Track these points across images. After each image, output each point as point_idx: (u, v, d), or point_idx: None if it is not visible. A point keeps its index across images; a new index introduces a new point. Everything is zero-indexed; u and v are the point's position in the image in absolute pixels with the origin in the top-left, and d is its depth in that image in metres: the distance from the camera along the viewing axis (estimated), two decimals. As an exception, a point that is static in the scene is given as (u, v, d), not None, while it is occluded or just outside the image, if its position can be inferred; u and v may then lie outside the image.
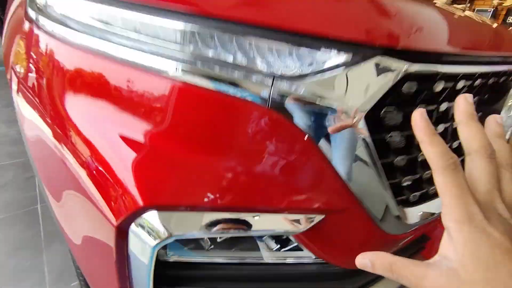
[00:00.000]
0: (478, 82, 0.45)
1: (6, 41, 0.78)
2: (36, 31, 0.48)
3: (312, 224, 0.37)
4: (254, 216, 0.35)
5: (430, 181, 0.45)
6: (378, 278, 0.54)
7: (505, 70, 0.51)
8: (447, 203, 0.20)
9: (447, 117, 0.44)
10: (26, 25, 0.54)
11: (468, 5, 5.37)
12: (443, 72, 0.37)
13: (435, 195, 0.45)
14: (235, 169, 0.35)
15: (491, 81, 0.49)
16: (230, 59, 0.32)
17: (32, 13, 0.49)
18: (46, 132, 0.45)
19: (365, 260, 0.24)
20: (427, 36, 0.35)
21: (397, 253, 0.48)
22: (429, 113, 0.37)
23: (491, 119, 0.24)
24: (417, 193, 0.43)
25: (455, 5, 1.06)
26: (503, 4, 5.04)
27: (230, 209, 0.35)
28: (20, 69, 0.56)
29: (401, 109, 0.36)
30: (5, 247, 1.13)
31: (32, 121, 0.50)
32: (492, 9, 4.77)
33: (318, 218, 0.37)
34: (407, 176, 0.41)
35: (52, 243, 1.17)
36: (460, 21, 0.46)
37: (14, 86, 0.59)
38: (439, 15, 0.40)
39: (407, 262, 0.22)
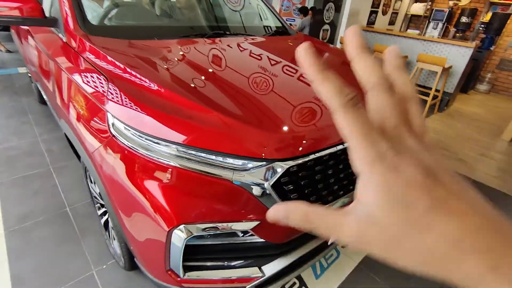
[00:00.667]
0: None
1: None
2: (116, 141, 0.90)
3: (254, 225, 0.84)
4: (228, 225, 0.82)
5: (313, 202, 0.92)
6: (295, 247, 1.03)
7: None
8: (354, 146, 0.18)
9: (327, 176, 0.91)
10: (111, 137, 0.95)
11: (429, 4, 5.88)
12: (311, 158, 0.84)
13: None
14: (217, 207, 0.81)
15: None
16: (213, 162, 0.77)
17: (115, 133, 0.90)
18: (129, 197, 0.87)
19: (279, 213, 0.21)
20: (298, 147, 0.81)
21: (306, 235, 0.97)
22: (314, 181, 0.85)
23: (391, 51, 0.23)
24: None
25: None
26: (459, 4, 5.58)
27: (215, 223, 0.81)
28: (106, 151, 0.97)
29: (291, 178, 0.83)
30: (52, 241, 1.55)
31: (120, 188, 0.92)
32: (448, 9, 5.28)
33: (256, 223, 0.84)
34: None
35: (86, 236, 1.59)
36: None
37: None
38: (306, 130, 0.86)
39: (323, 210, 0.20)
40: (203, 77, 1.04)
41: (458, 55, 3.91)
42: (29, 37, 1.93)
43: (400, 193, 0.17)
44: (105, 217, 1.45)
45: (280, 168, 0.79)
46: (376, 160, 0.18)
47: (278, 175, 0.79)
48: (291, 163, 0.80)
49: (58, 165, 2.15)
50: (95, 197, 1.47)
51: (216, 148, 0.78)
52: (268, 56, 1.35)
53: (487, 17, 5.16)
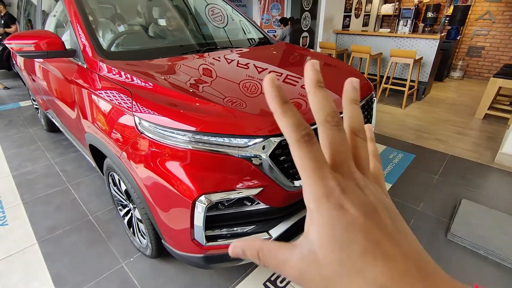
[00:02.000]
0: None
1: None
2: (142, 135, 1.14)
3: (259, 191, 1.07)
4: (238, 192, 1.05)
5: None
6: (294, 211, 1.26)
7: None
8: (304, 181, 0.19)
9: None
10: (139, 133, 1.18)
11: (397, 4, 6.34)
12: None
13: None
14: (229, 178, 1.04)
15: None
16: (222, 143, 1.01)
17: (141, 128, 1.13)
18: (157, 178, 1.10)
19: (236, 250, 0.22)
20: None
21: (302, 200, 1.20)
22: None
23: (348, 83, 0.24)
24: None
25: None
26: (423, 1, 6.04)
27: (228, 191, 1.04)
28: (136, 152, 1.20)
29: (283, 150, 1.07)
30: (82, 245, 1.74)
31: (149, 175, 1.14)
32: (414, 6, 5.73)
33: (259, 189, 1.07)
34: (293, 169, 1.12)
35: (111, 237, 1.79)
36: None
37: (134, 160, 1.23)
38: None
39: (273, 246, 0.21)
40: (206, 81, 1.29)
41: (427, 47, 4.27)
42: (41, 71, 2.17)
43: (340, 233, 0.17)
44: (127, 217, 1.65)
45: (273, 142, 1.03)
46: (323, 197, 0.18)
47: (272, 147, 1.03)
48: (281, 138, 1.04)
49: (75, 182, 2.35)
50: (118, 200, 1.67)
51: (223, 132, 1.01)
52: (254, 63, 1.61)
53: (450, 10, 5.61)
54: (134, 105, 1.15)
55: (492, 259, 1.62)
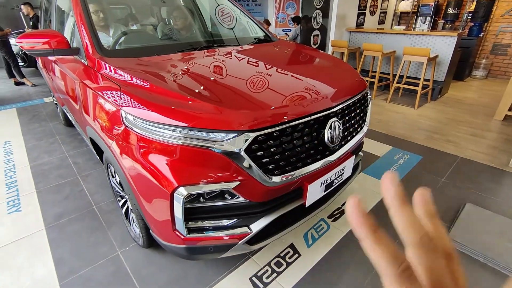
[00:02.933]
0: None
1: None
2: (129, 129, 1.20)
3: (235, 185, 1.10)
4: (215, 185, 1.08)
5: (283, 167, 1.17)
6: (275, 207, 1.27)
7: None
8: None
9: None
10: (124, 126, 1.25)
11: (416, 0, 6.10)
12: (276, 130, 1.10)
13: (288, 171, 1.18)
14: (207, 171, 1.07)
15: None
16: (199, 137, 1.05)
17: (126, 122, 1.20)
18: (140, 170, 1.15)
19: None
20: (263, 122, 1.08)
21: (286, 195, 1.22)
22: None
23: (419, 196, 0.23)
24: (279, 171, 1.16)
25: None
26: (444, -3, 5.78)
27: (206, 184, 1.08)
28: (123, 144, 1.27)
29: (260, 145, 1.09)
30: (84, 232, 1.84)
31: (133, 166, 1.21)
32: (434, 3, 5.48)
33: (237, 183, 1.10)
34: (272, 165, 1.14)
35: (111, 227, 1.89)
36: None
37: (118, 150, 1.30)
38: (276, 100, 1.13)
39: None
40: (190, 76, 1.33)
41: (444, 45, 4.09)
42: (56, 68, 2.32)
43: None
44: (125, 207, 1.74)
45: (249, 136, 1.05)
46: None
47: (248, 142, 1.05)
48: (258, 133, 1.06)
49: (84, 174, 2.49)
50: (117, 191, 1.76)
51: (200, 126, 1.05)
52: (246, 59, 1.64)
53: (472, 6, 5.32)
54: (123, 99, 1.22)
55: (491, 267, 1.55)
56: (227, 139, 1.05)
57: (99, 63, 1.48)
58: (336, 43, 4.73)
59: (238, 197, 1.18)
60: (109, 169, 1.68)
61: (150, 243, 1.59)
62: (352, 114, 1.51)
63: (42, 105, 4.38)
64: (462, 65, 5.02)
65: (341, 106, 1.37)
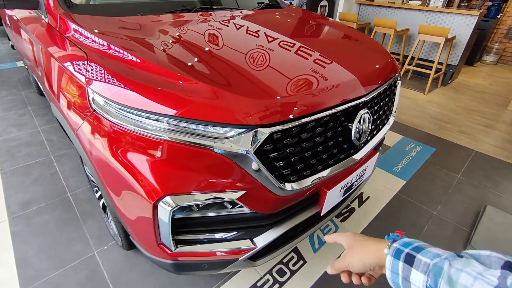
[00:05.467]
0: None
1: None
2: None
3: (240, 194, 0.83)
4: (213, 194, 0.82)
5: (300, 171, 0.91)
6: (286, 218, 1.03)
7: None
8: None
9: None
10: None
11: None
12: (296, 124, 0.82)
13: (304, 177, 0.92)
14: (201, 177, 0.80)
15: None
16: (193, 131, 0.76)
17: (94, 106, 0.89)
18: (116, 173, 0.87)
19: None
20: (282, 113, 0.79)
21: (299, 204, 0.97)
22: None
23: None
24: (295, 176, 0.90)
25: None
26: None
27: (201, 193, 0.81)
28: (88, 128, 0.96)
29: (275, 145, 0.81)
30: (55, 226, 1.58)
31: (106, 165, 0.92)
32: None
33: (242, 192, 0.83)
34: (287, 169, 0.87)
35: (87, 220, 1.62)
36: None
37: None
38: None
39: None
40: (185, 46, 1.01)
41: (462, 25, 3.75)
42: (21, 29, 1.91)
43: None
44: (102, 200, 1.47)
45: (262, 134, 0.77)
46: None
47: (260, 141, 0.77)
48: (273, 129, 0.78)
49: (58, 154, 2.18)
50: (92, 180, 1.48)
51: (196, 117, 0.76)
52: (253, 29, 1.31)
53: (493, -17, 4.91)
54: (90, 73, 0.90)
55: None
56: (232, 136, 0.77)
57: (63, 20, 1.13)
58: (344, 17, 4.31)
59: (241, 206, 0.92)
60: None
61: (130, 246, 1.35)
62: (381, 104, 1.24)
63: (14, 69, 3.89)
64: (474, 49, 4.71)
65: (373, 94, 1.09)
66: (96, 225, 1.59)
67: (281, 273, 1.38)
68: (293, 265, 1.42)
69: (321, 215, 1.14)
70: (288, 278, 1.36)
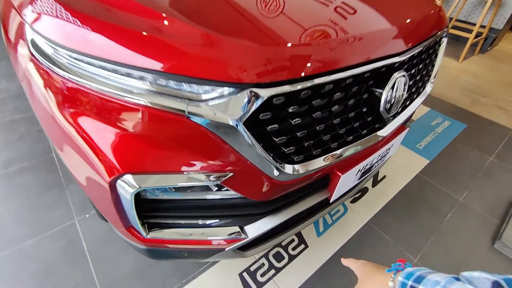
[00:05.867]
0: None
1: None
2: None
3: (224, 179, 0.63)
4: (188, 178, 0.61)
5: (308, 149, 0.68)
6: (286, 205, 0.83)
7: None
8: None
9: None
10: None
11: None
12: (307, 86, 0.57)
13: (312, 157, 0.70)
14: (177, 153, 0.59)
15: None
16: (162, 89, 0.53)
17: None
18: (65, 138, 0.67)
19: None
20: (287, 70, 0.54)
21: (303, 189, 0.75)
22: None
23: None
24: (300, 156, 0.68)
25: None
26: None
27: (171, 173, 0.60)
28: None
29: (274, 113, 0.58)
30: (36, 188, 1.45)
31: (53, 127, 0.71)
32: None
33: (227, 175, 0.62)
34: (289, 147, 0.65)
35: (70, 183, 1.49)
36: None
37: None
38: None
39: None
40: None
41: (518, -21, 3.15)
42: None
43: None
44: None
45: (257, 98, 0.53)
46: None
47: (253, 108, 0.53)
48: (274, 90, 0.54)
49: (46, 109, 2.00)
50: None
51: (165, 69, 0.52)
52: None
53: None
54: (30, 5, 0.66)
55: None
56: (214, 99, 0.54)
57: None
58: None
59: (227, 190, 0.72)
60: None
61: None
62: (421, 66, 0.95)
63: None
64: (523, 11, 4.05)
65: (414, 51, 0.81)
66: (78, 191, 1.45)
67: (278, 257, 1.23)
68: (293, 249, 1.27)
69: (330, 202, 0.93)
70: (286, 264, 1.21)
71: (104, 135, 0.60)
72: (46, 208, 1.36)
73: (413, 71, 0.89)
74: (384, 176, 1.66)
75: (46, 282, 1.09)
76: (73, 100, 0.62)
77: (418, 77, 0.95)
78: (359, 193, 1.55)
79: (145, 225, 0.75)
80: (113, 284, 1.10)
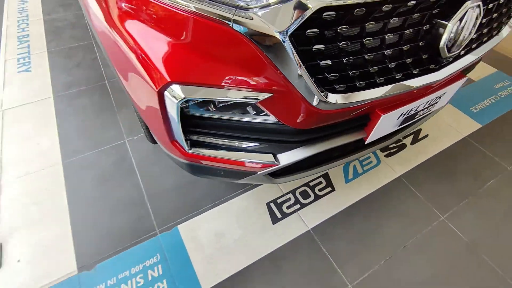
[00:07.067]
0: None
1: None
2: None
3: (264, 97, 0.64)
4: (230, 92, 0.64)
5: (354, 79, 0.66)
6: (320, 138, 0.84)
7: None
8: None
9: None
10: None
11: None
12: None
13: (355, 89, 0.68)
14: (223, 66, 0.61)
15: None
16: None
17: None
18: (117, 46, 0.71)
19: None
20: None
21: (341, 124, 0.76)
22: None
23: None
24: (343, 86, 0.66)
25: None
26: None
27: (212, 86, 0.63)
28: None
29: (324, 31, 0.56)
30: (92, 110, 1.62)
31: (106, 34, 0.76)
32: None
33: (268, 95, 0.64)
34: (333, 74, 0.63)
35: (122, 108, 1.63)
36: None
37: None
38: None
39: None
40: None
41: None
42: None
43: None
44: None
45: (307, 8, 0.51)
46: None
47: (302, 19, 0.52)
48: (326, 2, 0.52)
49: (99, 39, 2.12)
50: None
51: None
52: None
53: None
54: None
55: None
56: (262, 7, 0.53)
57: None
58: None
59: (267, 115, 0.75)
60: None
61: (154, 140, 1.32)
62: (502, 0, 0.82)
63: None
64: None
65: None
66: (129, 115, 1.59)
67: (305, 195, 1.29)
68: (320, 190, 1.31)
69: (365, 143, 0.93)
70: (311, 202, 1.27)
71: (153, 44, 0.64)
72: (101, 128, 1.53)
73: (490, 5, 0.78)
74: (427, 135, 1.57)
75: (103, 186, 1.28)
76: (126, 8, 0.65)
77: (495, 14, 0.83)
78: (396, 148, 1.50)
79: (188, 141, 0.82)
80: (157, 194, 1.26)
